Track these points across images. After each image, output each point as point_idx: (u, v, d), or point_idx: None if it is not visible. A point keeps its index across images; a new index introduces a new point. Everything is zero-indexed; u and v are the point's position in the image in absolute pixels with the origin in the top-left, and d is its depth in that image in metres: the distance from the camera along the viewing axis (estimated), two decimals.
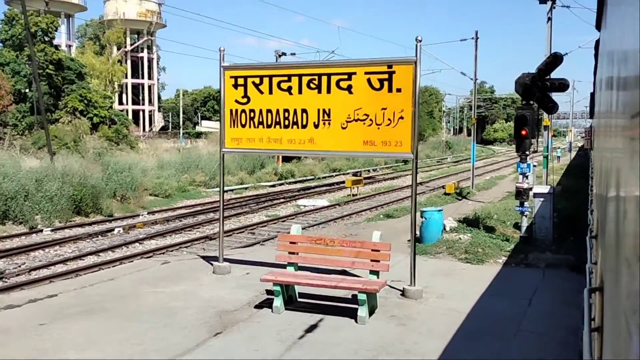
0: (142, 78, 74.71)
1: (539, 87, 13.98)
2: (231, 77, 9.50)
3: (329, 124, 8.91)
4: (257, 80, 9.33)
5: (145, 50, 75.11)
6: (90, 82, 60.22)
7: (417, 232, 15.40)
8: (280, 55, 32.51)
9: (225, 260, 10.45)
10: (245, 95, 9.42)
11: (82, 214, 19.41)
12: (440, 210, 14.88)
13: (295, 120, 9.12)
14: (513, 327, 7.43)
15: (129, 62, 72.64)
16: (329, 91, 8.88)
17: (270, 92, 9.25)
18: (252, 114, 9.39)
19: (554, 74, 14.20)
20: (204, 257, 11.16)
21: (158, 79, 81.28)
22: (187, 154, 32.89)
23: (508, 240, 14.90)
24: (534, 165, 28.22)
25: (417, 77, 8.36)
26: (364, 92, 8.68)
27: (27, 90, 49.08)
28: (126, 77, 71.68)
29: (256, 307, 7.97)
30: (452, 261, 13.06)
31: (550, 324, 7.67)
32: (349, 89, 8.77)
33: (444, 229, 15.66)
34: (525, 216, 14.53)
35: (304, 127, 9.07)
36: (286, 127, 9.18)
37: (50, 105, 51.70)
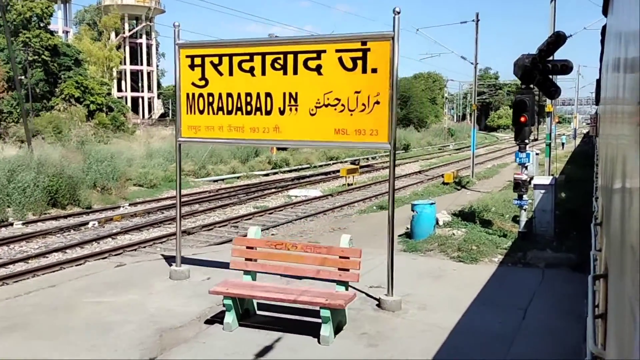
0: (141, 64, 73.32)
1: (540, 70, 12.72)
2: (187, 56, 8.30)
3: (296, 109, 7.73)
4: (215, 60, 8.13)
5: (144, 37, 73.68)
6: (88, 69, 58.98)
7: (408, 227, 14.25)
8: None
9: (190, 261, 9.32)
10: (203, 78, 8.24)
11: (58, 206, 18.33)
12: (432, 204, 13.70)
13: (258, 105, 7.93)
14: (502, 350, 6.27)
15: (127, 48, 71.29)
16: (295, 72, 7.69)
17: (231, 73, 8.06)
18: (210, 99, 8.21)
19: (557, 56, 12.90)
20: (167, 258, 10.04)
21: (157, 66, 79.91)
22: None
23: (506, 236, 13.74)
24: (537, 154, 27.06)
25: (395, 55, 7.15)
26: (335, 73, 7.48)
27: (22, 77, 47.98)
28: (124, 64, 70.39)
29: (207, 321, 6.84)
30: (444, 260, 11.92)
31: (547, 344, 6.51)
32: (318, 69, 7.57)
33: (437, 223, 14.50)
34: (524, 210, 13.34)
35: (268, 113, 7.89)
36: (249, 113, 8.00)
37: (46, 92, 50.60)
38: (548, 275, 10.74)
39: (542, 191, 14.91)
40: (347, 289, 6.60)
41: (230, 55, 8.03)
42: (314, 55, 7.58)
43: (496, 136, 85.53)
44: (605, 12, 6.26)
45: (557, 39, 12.66)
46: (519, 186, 13.00)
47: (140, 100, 73.99)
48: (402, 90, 63.99)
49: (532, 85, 13.02)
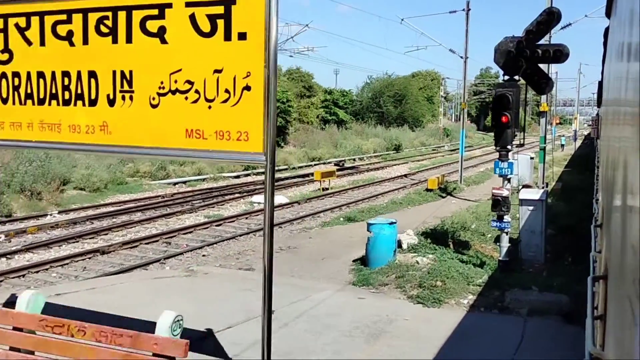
0: None
1: (527, 57, 9.82)
2: None
3: (131, 98, 4.88)
4: (22, 22, 5.28)
5: None
6: None
7: (364, 252, 11.41)
8: None
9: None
10: (7, 49, 5.40)
11: None
12: (392, 223, 10.83)
13: (79, 91, 5.09)
14: None
15: None
16: (129, 39, 4.83)
17: (42, 42, 5.20)
18: (16, 81, 5.37)
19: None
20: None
21: None
22: None
23: (483, 265, 10.89)
24: (531, 158, 24.13)
25: (272, 12, 4.30)
26: (185, 41, 4.63)
27: None
28: None
29: None
30: (399, 300, 9.13)
31: None
32: (161, 34, 4.72)
33: (400, 246, 11.66)
34: (506, 234, 10.48)
35: (92, 103, 5.03)
36: (67, 103, 5.16)
37: None
38: (531, 330, 7.92)
39: (530, 208, 12.02)
40: None
41: (41, 14, 5.17)
42: (155, 12, 4.72)
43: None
44: (608, 14, 6.11)
45: (549, 17, 9.78)
46: (499, 204, 10.13)
47: None
48: (397, 88, 61.06)
49: (517, 77, 10.16)
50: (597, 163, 15.58)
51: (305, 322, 7.49)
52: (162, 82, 4.74)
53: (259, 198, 21.08)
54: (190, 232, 15.02)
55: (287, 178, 27.96)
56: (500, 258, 10.54)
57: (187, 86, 4.66)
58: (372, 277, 10.12)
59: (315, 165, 34.40)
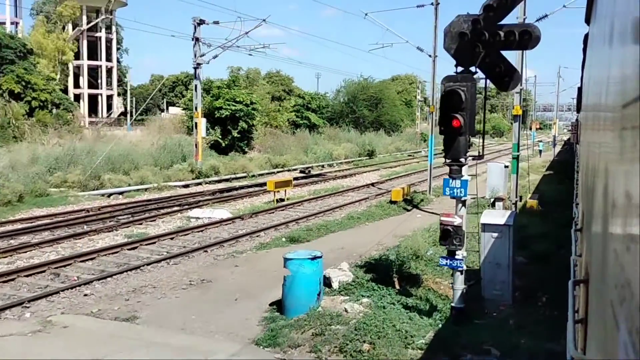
0: (100, 60, 67.25)
1: (486, 41, 7.34)
2: None
3: None
4: None
5: (104, 30, 67.67)
6: (37, 63, 53.15)
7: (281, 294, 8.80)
8: (198, 24, 25.51)
9: None
10: None
11: None
12: (315, 258, 8.25)
13: None
14: None
15: (84, 42, 65.25)
16: None
17: None
18: None
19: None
20: None
21: (119, 61, 73.81)
22: (84, 146, 26.00)
23: (432, 313, 8.38)
24: (506, 166, 21.69)
25: None
26: None
27: None
28: (82, 59, 64.58)
29: None
30: None
31: None
32: None
33: (330, 285, 9.09)
34: (461, 273, 7.94)
35: None
36: None
37: None
38: None
39: (495, 235, 9.49)
40: None
41: None
42: None
43: (474, 142, 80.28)
44: (587, 20, 6.01)
45: None
46: (449, 236, 7.58)
47: (99, 97, 68.06)
48: (373, 92, 58.59)
49: (473, 68, 7.65)
50: (577, 168, 14.70)
51: None
52: None
53: (197, 212, 18.41)
54: (91, 259, 12.30)
55: (242, 187, 25.26)
56: (454, 304, 8.01)
57: None
58: (283, 333, 7.54)
59: (278, 172, 31.73)
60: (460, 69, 7.58)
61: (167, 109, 75.81)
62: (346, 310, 7.96)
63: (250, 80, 58.96)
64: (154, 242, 14.11)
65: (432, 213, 19.45)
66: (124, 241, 14.13)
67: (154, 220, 17.34)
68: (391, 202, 20.90)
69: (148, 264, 11.84)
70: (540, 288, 10.02)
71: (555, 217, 16.25)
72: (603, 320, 1.84)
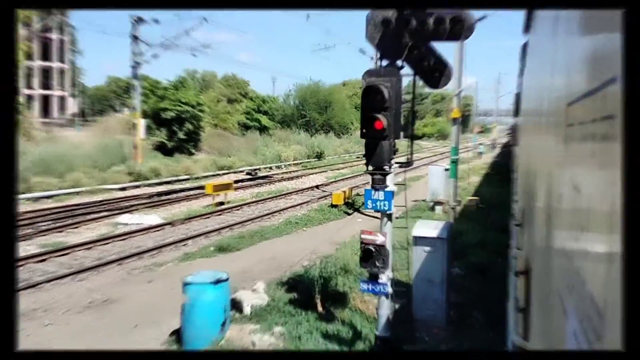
0: (52, 61, 63.53)
1: (413, 31, 5.99)
2: None
3: None
4: None
5: (55, 32, 63.97)
6: None
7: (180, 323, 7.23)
8: (136, 22, 23.54)
9: None
10: None
11: None
12: (219, 282, 6.72)
13: None
14: None
15: (36, 43, 61.44)
16: None
17: None
18: None
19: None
20: None
21: (73, 63, 70.06)
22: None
23: (355, 341, 6.94)
24: (446, 169, 20.63)
25: None
26: None
27: None
28: (30, 59, 60.73)
29: None
30: None
31: None
32: None
33: (241, 310, 7.57)
34: (387, 297, 6.55)
35: None
36: None
37: None
38: None
39: (427, 249, 8.21)
40: None
41: None
42: None
43: (420, 144, 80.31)
44: (527, 30, 5.85)
45: None
46: (371, 257, 6.19)
47: (51, 99, 64.30)
48: (322, 96, 57.34)
49: (399, 62, 6.27)
50: (515, 168, 14.06)
51: None
52: None
53: (126, 218, 16.57)
54: None
55: (182, 190, 23.46)
56: (378, 333, 6.62)
57: None
58: None
59: (224, 174, 29.99)
60: (385, 62, 6.19)
61: (122, 110, 72.68)
62: (253, 344, 6.47)
63: (206, 83, 56.93)
64: (67, 254, 12.27)
65: (374, 217, 18.20)
66: (35, 252, 12.24)
67: (77, 227, 15.46)
68: (332, 205, 19.54)
69: (49, 281, 10.08)
70: (477, 305, 8.78)
71: (495, 220, 15.19)
72: (547, 310, 1.81)
